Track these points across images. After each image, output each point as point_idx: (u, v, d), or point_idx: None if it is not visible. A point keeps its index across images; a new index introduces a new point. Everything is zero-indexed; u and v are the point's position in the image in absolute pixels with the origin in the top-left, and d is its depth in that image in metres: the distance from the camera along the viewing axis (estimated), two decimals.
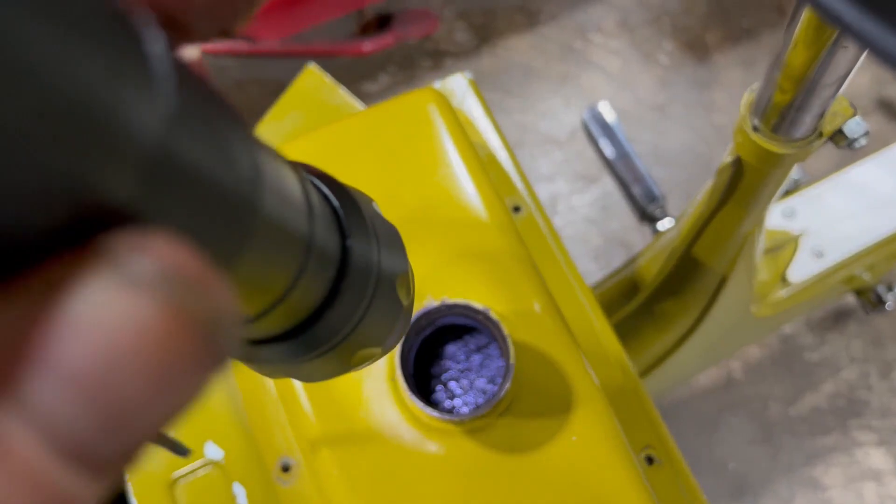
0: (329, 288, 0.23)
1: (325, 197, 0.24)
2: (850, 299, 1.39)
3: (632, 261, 0.83)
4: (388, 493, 0.48)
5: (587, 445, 0.48)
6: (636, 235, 1.43)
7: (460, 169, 0.54)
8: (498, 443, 0.48)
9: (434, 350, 0.53)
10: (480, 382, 0.52)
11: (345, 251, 0.23)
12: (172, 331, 0.11)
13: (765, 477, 1.34)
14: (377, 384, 0.50)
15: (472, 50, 1.58)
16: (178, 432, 0.58)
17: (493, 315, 0.46)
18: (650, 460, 0.56)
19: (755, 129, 0.45)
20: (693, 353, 0.85)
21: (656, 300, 0.76)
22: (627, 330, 0.79)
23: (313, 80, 0.69)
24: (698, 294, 0.72)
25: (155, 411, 0.12)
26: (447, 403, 0.51)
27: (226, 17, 0.16)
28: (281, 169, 0.18)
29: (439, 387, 0.52)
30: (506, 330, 0.46)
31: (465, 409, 0.50)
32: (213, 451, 0.58)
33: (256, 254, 0.17)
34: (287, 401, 0.52)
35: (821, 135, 0.44)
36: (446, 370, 0.53)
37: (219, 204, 0.14)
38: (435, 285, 0.51)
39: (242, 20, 0.17)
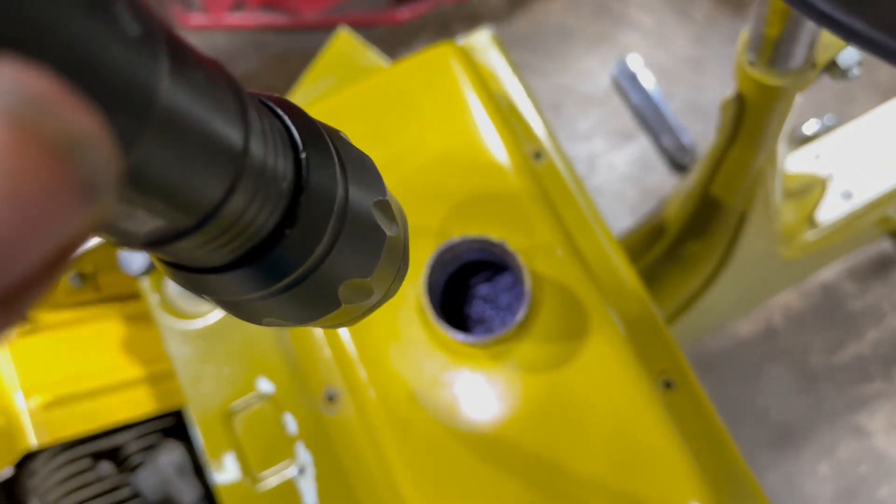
0: (284, 210, 0.23)
1: (282, 121, 0.25)
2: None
3: (658, 208, 0.86)
4: (421, 415, 0.53)
5: (601, 367, 0.52)
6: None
7: (480, 117, 0.58)
8: (519, 365, 0.52)
9: (464, 288, 0.57)
10: (505, 313, 0.56)
11: (298, 172, 0.24)
12: (19, 147, 0.11)
13: (807, 425, 1.36)
14: (409, 316, 0.55)
15: (506, 13, 1.60)
16: (231, 369, 0.64)
17: (510, 247, 0.51)
18: (668, 385, 0.60)
19: (751, 63, 0.48)
20: (724, 295, 0.87)
21: (680, 243, 0.79)
22: (655, 275, 0.82)
23: (345, 43, 0.73)
24: (720, 233, 0.75)
25: (27, 244, 0.11)
26: (475, 331, 0.56)
27: None
28: (204, 76, 0.19)
29: (468, 316, 0.56)
30: (522, 261, 0.51)
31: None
32: (265, 385, 0.64)
33: (163, 145, 0.17)
34: (330, 335, 0.57)
35: (814, 65, 0.47)
36: (474, 304, 0.57)
37: (104, 66, 0.14)
38: (458, 225, 0.55)
39: None
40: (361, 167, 0.27)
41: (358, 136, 0.59)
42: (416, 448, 0.52)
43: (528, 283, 0.50)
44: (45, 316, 0.71)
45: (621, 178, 1.47)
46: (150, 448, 0.72)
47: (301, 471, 0.61)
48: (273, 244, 0.23)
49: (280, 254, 0.24)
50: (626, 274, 0.63)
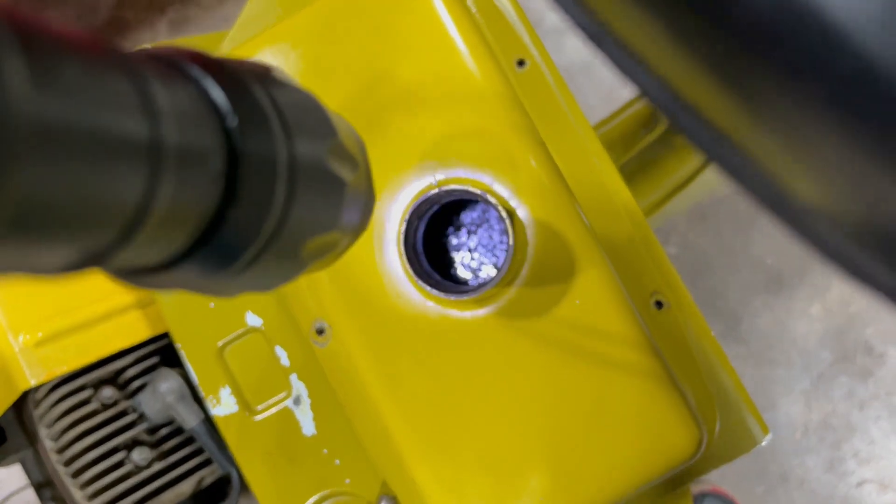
0: (223, 184, 0.20)
1: (198, 84, 0.21)
2: None
3: None
4: (406, 358, 0.53)
5: (590, 307, 0.51)
6: None
7: (456, 40, 0.53)
8: (506, 310, 0.51)
9: (448, 219, 0.55)
10: (492, 249, 0.54)
11: (229, 139, 0.21)
12: None
13: (801, 269, 1.37)
14: (392, 259, 0.53)
15: None
16: (217, 304, 0.63)
17: (492, 197, 0.48)
18: (659, 304, 0.59)
19: None
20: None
21: (675, 131, 0.75)
22: (647, 160, 0.79)
23: None
24: None
25: None
26: (463, 270, 0.54)
27: None
28: (79, 67, 0.16)
29: (454, 255, 0.55)
30: (504, 210, 0.48)
31: (473, 281, 0.53)
32: (252, 319, 0.63)
33: (45, 164, 0.14)
34: (311, 276, 0.56)
35: None
36: (460, 240, 0.55)
37: None
38: (437, 163, 0.52)
39: None
40: (304, 111, 0.24)
41: (318, 69, 0.54)
42: (404, 391, 0.53)
43: (511, 235, 0.48)
44: None
45: None
46: (149, 370, 0.73)
47: (296, 401, 0.62)
48: (217, 228, 0.21)
49: (227, 236, 0.21)
50: (617, 190, 0.60)
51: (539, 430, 0.51)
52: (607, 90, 1.38)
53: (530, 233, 0.51)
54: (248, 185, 0.21)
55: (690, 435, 0.51)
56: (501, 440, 0.52)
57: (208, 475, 0.75)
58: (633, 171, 0.82)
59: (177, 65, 0.21)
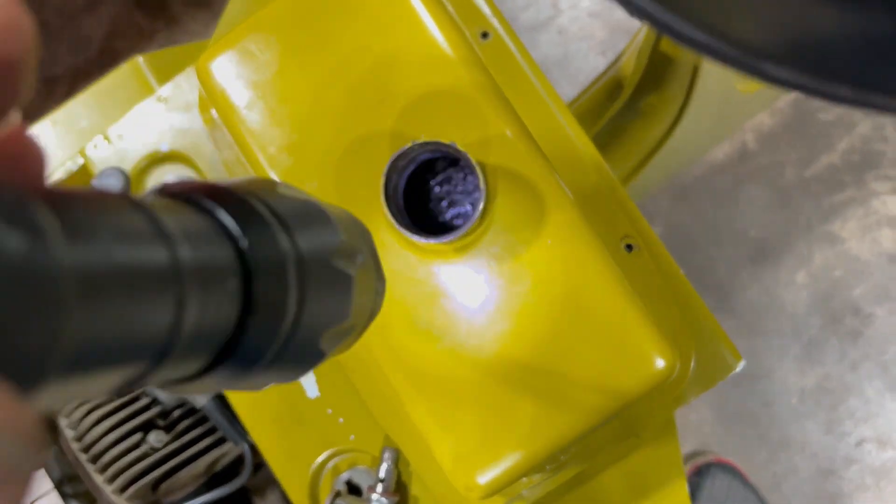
0: (240, 298, 0.23)
1: (200, 207, 0.23)
2: None
3: (615, 62, 0.86)
4: (396, 310, 0.57)
5: (561, 245, 0.55)
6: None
7: (421, 12, 0.58)
8: (482, 255, 0.56)
9: (425, 184, 0.59)
10: (468, 204, 0.58)
11: (241, 255, 0.23)
12: None
13: (784, 239, 1.41)
14: (376, 221, 0.57)
15: None
16: None
17: (460, 147, 0.52)
18: (629, 248, 0.63)
19: None
20: (690, 136, 0.89)
21: (639, 97, 0.79)
22: (616, 129, 0.84)
23: None
24: (675, 86, 0.75)
25: None
26: (442, 224, 0.59)
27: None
28: (103, 218, 0.18)
29: (432, 212, 0.59)
30: (474, 159, 0.52)
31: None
32: None
33: (90, 311, 0.16)
34: None
35: None
36: (437, 198, 0.59)
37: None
38: (412, 126, 0.57)
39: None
40: (306, 218, 0.26)
41: (296, 52, 0.59)
42: (397, 343, 0.57)
43: (482, 181, 0.52)
44: None
45: (588, 16, 1.44)
46: None
47: None
48: (239, 338, 0.23)
49: (249, 343, 0.24)
50: (584, 147, 0.64)
51: (523, 363, 0.55)
52: (581, 84, 1.43)
53: (501, 182, 0.55)
54: (263, 297, 0.23)
55: (665, 356, 0.55)
56: (489, 377, 0.56)
57: (222, 456, 0.79)
58: (604, 143, 0.87)
59: (188, 198, 0.24)
